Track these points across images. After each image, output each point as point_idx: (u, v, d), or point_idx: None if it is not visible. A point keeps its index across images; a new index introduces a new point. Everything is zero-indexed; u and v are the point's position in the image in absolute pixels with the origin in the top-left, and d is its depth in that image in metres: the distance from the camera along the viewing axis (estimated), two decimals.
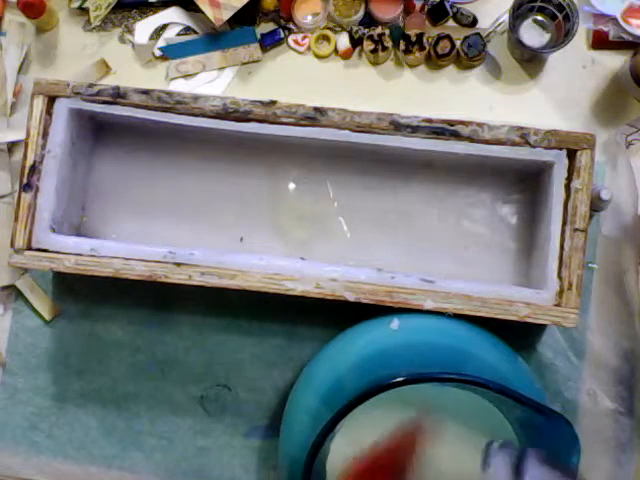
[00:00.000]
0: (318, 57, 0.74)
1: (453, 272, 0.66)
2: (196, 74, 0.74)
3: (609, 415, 0.68)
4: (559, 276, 0.61)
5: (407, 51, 0.71)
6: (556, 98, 0.72)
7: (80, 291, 0.71)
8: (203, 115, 0.63)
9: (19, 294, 0.72)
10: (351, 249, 0.69)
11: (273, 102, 0.63)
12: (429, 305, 0.60)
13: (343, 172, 0.69)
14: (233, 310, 0.70)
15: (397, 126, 0.62)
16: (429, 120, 0.62)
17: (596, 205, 0.66)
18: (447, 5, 0.72)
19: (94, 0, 0.73)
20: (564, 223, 0.61)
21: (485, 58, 0.72)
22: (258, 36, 0.73)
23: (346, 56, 0.73)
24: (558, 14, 0.69)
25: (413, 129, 0.62)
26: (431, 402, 0.59)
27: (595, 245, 0.69)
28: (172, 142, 0.69)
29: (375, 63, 0.73)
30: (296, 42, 0.73)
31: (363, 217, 0.69)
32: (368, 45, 0.71)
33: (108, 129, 0.69)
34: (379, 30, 0.71)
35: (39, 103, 0.63)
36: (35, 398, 0.71)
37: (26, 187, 0.63)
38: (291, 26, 0.74)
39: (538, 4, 0.70)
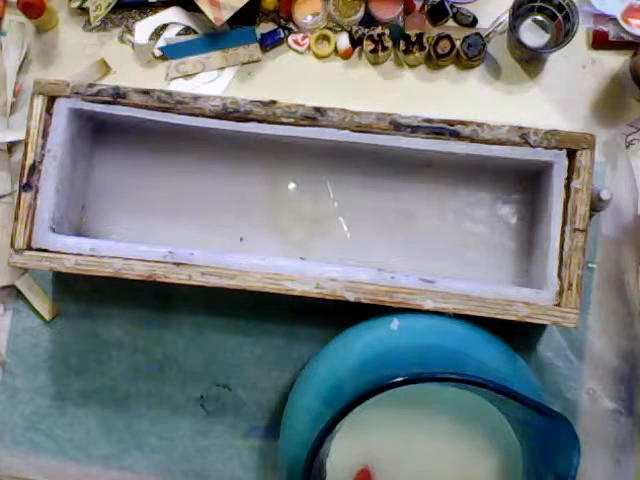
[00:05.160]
0: (318, 57, 0.74)
1: (453, 272, 0.66)
2: (196, 74, 0.74)
3: (609, 415, 0.68)
4: (559, 276, 0.61)
5: (407, 51, 0.71)
6: (556, 98, 0.72)
7: (80, 291, 0.71)
8: (203, 115, 0.63)
9: (19, 294, 0.72)
10: (351, 249, 0.69)
11: (273, 102, 0.63)
12: (429, 305, 0.60)
13: (343, 172, 0.69)
14: (233, 310, 0.70)
15: (397, 126, 0.62)
16: (429, 120, 0.62)
17: (596, 205, 0.66)
18: (447, 5, 0.72)
19: (94, 0, 0.73)
20: (564, 223, 0.61)
21: (485, 58, 0.72)
22: (258, 36, 0.73)
23: (346, 56, 0.73)
24: (558, 14, 0.69)
25: (413, 129, 0.62)
26: (431, 402, 0.59)
27: (595, 245, 0.69)
28: (172, 142, 0.69)
29: (375, 63, 0.73)
30: (296, 42, 0.73)
31: (363, 217, 0.69)
32: (368, 45, 0.71)
33: (108, 129, 0.69)
34: (379, 30, 0.71)
35: (39, 103, 0.63)
36: (35, 398, 0.71)
37: (26, 187, 0.63)
38: (291, 26, 0.74)
39: (538, 4, 0.70)
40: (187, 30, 0.74)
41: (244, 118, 0.63)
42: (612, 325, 0.69)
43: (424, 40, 0.71)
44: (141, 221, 0.70)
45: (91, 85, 0.64)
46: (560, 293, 0.60)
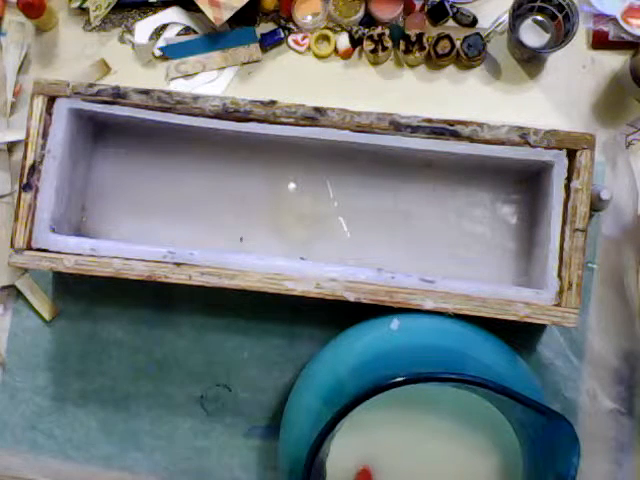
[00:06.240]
0: (318, 57, 0.74)
1: (453, 272, 0.66)
2: (196, 74, 0.74)
3: (609, 415, 0.68)
4: (559, 276, 0.61)
5: (407, 51, 0.71)
6: (556, 98, 0.72)
7: (80, 291, 0.71)
8: (203, 115, 0.63)
9: (19, 294, 0.72)
10: (351, 249, 0.69)
11: (273, 102, 0.63)
12: (429, 305, 0.60)
13: (343, 172, 0.69)
14: (233, 310, 0.70)
15: (397, 126, 0.62)
16: (429, 120, 0.62)
17: (596, 205, 0.66)
18: (447, 5, 0.72)
19: (94, 0, 0.73)
20: (564, 223, 0.61)
21: (485, 58, 0.72)
22: (258, 36, 0.73)
23: (346, 56, 0.73)
24: (558, 14, 0.69)
25: (413, 129, 0.62)
26: (431, 402, 0.59)
27: (595, 245, 0.69)
28: (172, 142, 0.69)
29: (375, 63, 0.73)
30: (296, 42, 0.73)
31: (363, 217, 0.69)
32: (368, 45, 0.71)
33: (108, 129, 0.69)
34: (379, 30, 0.71)
35: (39, 103, 0.63)
36: (35, 398, 0.71)
37: (26, 187, 0.63)
38: (291, 26, 0.74)
39: (538, 4, 0.70)
40: (187, 30, 0.74)
41: (244, 118, 0.63)
42: (612, 325, 0.69)
43: (424, 40, 0.71)
44: (141, 221, 0.70)
45: (91, 85, 0.64)
46: (560, 293, 0.60)
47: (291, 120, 0.63)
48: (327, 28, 0.73)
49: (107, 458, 0.71)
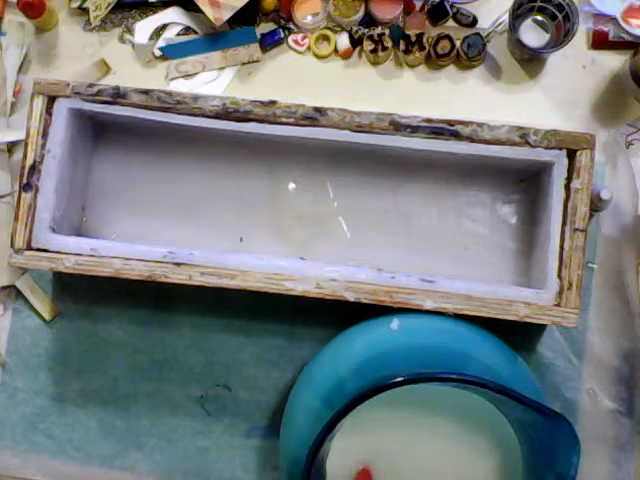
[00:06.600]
0: (318, 57, 0.74)
1: (453, 272, 0.66)
2: (196, 74, 0.74)
3: (609, 415, 0.68)
4: (559, 276, 0.61)
5: (407, 51, 0.71)
6: (556, 98, 0.72)
7: (80, 291, 0.71)
8: (203, 115, 0.63)
9: (19, 294, 0.72)
10: (351, 249, 0.69)
11: (273, 102, 0.63)
12: (429, 305, 0.60)
13: (343, 172, 0.69)
14: (233, 310, 0.70)
15: (397, 126, 0.62)
16: (429, 120, 0.62)
17: (596, 205, 0.66)
18: (447, 5, 0.72)
19: (94, 0, 0.73)
20: (564, 223, 0.61)
21: (485, 58, 0.72)
22: (258, 36, 0.73)
23: (346, 56, 0.73)
24: (558, 14, 0.69)
25: (413, 129, 0.62)
26: (431, 402, 0.59)
27: (595, 245, 0.69)
28: (172, 142, 0.69)
29: (375, 63, 0.73)
30: (296, 42, 0.73)
31: (363, 217, 0.69)
32: (368, 45, 0.71)
33: (108, 129, 0.69)
34: (379, 30, 0.71)
35: (39, 103, 0.63)
36: (35, 398, 0.71)
37: (26, 187, 0.63)
38: (291, 26, 0.74)
39: (538, 4, 0.70)
40: (187, 30, 0.74)
41: (244, 118, 0.63)
42: (612, 325, 0.69)
43: (424, 40, 0.71)
44: (141, 221, 0.70)
45: (91, 85, 0.64)
46: (560, 293, 0.60)
47: (291, 120, 0.63)
48: (327, 28, 0.73)
49: (107, 458, 0.71)
